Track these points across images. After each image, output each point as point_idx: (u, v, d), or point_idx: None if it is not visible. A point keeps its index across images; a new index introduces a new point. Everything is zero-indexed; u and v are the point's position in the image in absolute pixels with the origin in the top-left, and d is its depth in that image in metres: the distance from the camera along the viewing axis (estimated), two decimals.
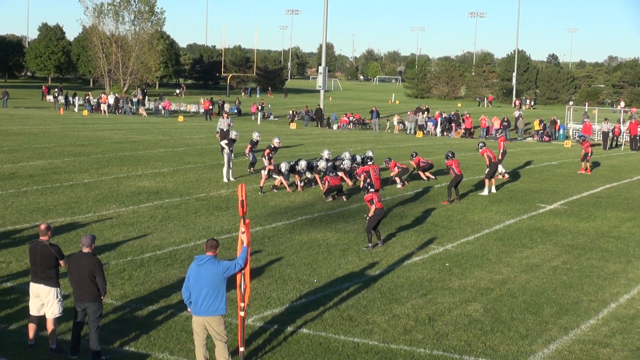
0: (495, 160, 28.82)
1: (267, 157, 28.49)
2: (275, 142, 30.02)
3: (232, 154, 29.62)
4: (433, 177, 31.00)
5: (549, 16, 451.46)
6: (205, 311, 11.17)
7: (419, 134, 58.31)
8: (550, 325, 14.33)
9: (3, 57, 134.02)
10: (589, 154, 35.76)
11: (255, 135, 31.88)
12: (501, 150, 31.63)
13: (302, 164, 27.98)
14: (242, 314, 11.81)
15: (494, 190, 28.60)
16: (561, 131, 59.53)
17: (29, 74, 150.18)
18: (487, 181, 28.50)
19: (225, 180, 28.90)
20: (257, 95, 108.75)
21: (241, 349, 11.88)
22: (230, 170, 29.33)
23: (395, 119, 64.05)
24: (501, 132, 56.94)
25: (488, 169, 28.43)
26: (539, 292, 16.41)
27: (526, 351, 12.97)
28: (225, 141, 29.51)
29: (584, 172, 35.52)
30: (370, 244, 19.75)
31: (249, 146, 31.44)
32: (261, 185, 27.29)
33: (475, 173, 32.51)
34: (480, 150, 29.23)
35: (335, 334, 13.41)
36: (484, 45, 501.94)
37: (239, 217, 12.28)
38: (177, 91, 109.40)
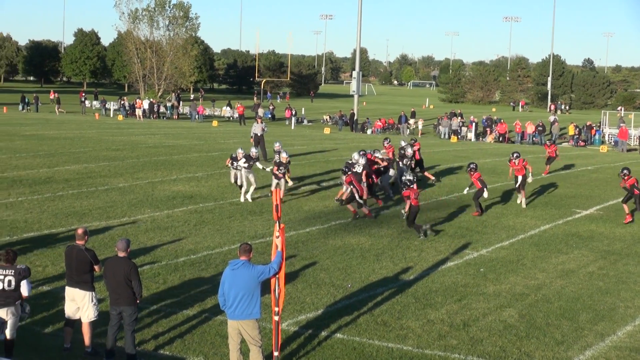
0: (524, 173, 27.46)
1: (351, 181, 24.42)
2: (253, 152, 27.29)
3: (253, 174, 26.32)
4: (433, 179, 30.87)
5: (584, 20, 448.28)
6: (239, 315, 11.20)
7: (454, 139, 58.03)
8: (586, 331, 14.19)
9: (39, 62, 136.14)
10: (553, 158, 35.94)
11: (253, 152, 27.58)
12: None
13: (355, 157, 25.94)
14: (276, 318, 11.82)
15: (524, 205, 26.95)
16: (597, 136, 59.06)
17: (64, 79, 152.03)
18: (520, 193, 27.32)
19: (242, 200, 25.91)
20: (269, 100, 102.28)
21: (275, 354, 11.88)
22: (252, 188, 26.17)
23: (420, 123, 65.79)
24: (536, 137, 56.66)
25: (520, 180, 27.07)
26: (575, 297, 16.26)
27: (562, 357, 12.86)
28: (244, 160, 26.11)
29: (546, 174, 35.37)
30: (421, 235, 21.21)
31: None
32: (343, 198, 24.68)
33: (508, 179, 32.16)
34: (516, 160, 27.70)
35: (370, 339, 13.38)
36: (518, 49, 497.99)
37: (272, 222, 12.29)
38: (192, 96, 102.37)
